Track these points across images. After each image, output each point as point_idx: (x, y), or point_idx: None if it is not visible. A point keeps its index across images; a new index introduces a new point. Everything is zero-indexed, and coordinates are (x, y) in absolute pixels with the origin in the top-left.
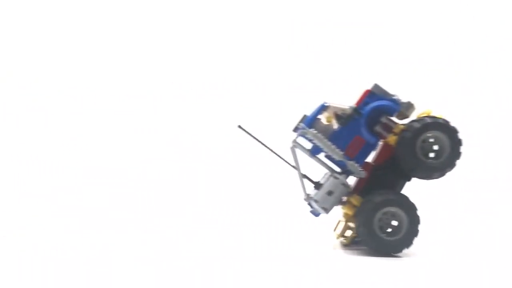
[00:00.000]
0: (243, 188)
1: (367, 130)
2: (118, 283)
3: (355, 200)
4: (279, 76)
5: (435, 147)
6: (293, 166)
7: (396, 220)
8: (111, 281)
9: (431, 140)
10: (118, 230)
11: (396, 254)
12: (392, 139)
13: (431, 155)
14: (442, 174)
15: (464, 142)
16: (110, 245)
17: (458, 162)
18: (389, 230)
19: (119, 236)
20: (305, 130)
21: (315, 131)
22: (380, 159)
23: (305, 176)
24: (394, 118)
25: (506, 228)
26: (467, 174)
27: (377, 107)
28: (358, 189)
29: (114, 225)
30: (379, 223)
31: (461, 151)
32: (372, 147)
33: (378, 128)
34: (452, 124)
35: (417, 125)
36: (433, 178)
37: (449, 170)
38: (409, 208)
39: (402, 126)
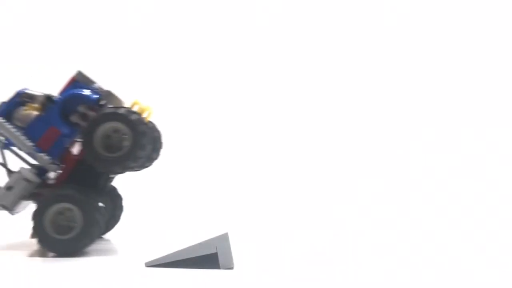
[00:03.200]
0: None
1: (62, 120)
2: (118, 283)
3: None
4: None
5: (117, 139)
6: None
7: (72, 218)
8: (111, 281)
9: (112, 131)
10: (118, 230)
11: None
12: None
13: (113, 148)
14: (125, 168)
15: (147, 133)
16: (110, 244)
17: (143, 154)
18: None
19: (119, 236)
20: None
21: (2, 119)
22: (82, 152)
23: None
24: (94, 108)
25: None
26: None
27: (71, 95)
28: (60, 182)
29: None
30: (54, 218)
31: (145, 143)
32: (69, 138)
33: (74, 118)
34: (135, 115)
35: (94, 115)
36: (118, 172)
37: (133, 163)
38: (84, 206)
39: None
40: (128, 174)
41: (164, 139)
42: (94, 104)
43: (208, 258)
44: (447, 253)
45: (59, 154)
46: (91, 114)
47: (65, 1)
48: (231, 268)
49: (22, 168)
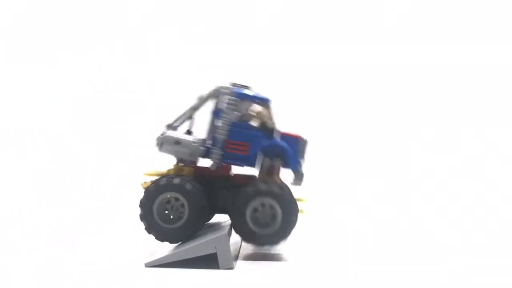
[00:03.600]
0: None
1: (260, 152)
2: (118, 283)
3: (188, 172)
4: None
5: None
6: None
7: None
8: (111, 281)
9: (265, 207)
10: (118, 230)
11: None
12: (261, 177)
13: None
14: (264, 244)
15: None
16: (110, 245)
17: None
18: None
19: (119, 236)
20: (231, 93)
21: (236, 102)
22: (239, 180)
23: (190, 118)
24: (276, 169)
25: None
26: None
27: (285, 151)
28: (198, 172)
29: (114, 225)
30: (163, 207)
31: (294, 223)
32: (244, 162)
33: (265, 160)
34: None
35: (263, 187)
36: (251, 244)
37: (277, 242)
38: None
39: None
40: (126, 174)
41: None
42: (279, 166)
43: (207, 258)
44: (446, 252)
45: (226, 160)
46: (272, 178)
47: None
48: (231, 268)
49: (199, 145)
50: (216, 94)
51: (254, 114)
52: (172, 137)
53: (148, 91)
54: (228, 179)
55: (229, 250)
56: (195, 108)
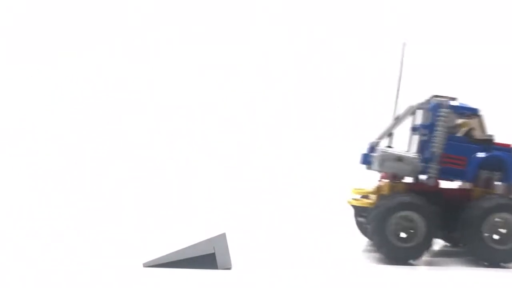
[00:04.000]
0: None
1: (478, 165)
2: (116, 284)
3: (401, 188)
4: None
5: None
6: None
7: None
8: (109, 281)
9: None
10: (119, 230)
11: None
12: (479, 191)
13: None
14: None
15: None
16: (108, 245)
17: None
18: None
19: (117, 236)
20: (442, 106)
21: (449, 114)
22: (452, 193)
23: (391, 135)
24: (499, 182)
25: None
26: None
27: (505, 162)
28: (410, 187)
29: (115, 225)
30: (394, 227)
31: None
32: (461, 177)
33: (483, 173)
34: None
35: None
36: (493, 263)
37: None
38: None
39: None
40: (125, 174)
41: (163, 139)
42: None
43: (205, 258)
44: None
45: (442, 176)
46: (498, 185)
47: None
48: (229, 268)
49: (420, 161)
50: (413, 111)
51: (463, 127)
52: (394, 154)
53: (150, 91)
54: (440, 194)
55: (228, 250)
56: (393, 126)
